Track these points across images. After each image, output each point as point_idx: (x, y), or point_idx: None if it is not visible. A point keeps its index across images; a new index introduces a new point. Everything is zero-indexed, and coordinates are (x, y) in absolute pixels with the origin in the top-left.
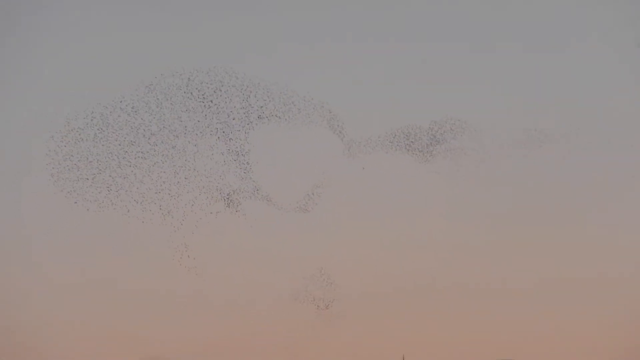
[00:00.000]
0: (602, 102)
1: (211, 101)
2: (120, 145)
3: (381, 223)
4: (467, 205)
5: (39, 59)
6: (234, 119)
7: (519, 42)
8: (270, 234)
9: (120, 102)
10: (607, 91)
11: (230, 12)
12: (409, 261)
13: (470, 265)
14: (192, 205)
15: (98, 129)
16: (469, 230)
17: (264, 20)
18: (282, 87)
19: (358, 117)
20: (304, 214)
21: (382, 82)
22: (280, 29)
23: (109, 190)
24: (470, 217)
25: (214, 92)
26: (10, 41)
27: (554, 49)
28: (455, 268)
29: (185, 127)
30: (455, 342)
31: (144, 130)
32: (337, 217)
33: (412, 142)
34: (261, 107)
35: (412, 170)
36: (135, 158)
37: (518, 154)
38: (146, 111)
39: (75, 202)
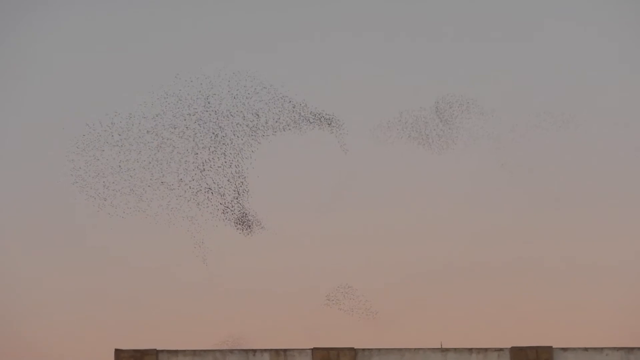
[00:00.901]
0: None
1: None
2: (146, 152)
3: (402, 216)
4: (488, 191)
5: (42, 61)
6: (241, 129)
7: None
8: (289, 242)
9: (140, 110)
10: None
11: (231, 11)
12: (435, 251)
13: (495, 250)
14: (213, 215)
15: (120, 136)
16: (491, 215)
17: (264, 19)
18: (276, 91)
19: (361, 109)
20: (325, 217)
21: (381, 71)
22: (279, 29)
23: (140, 199)
24: (491, 202)
25: (229, 117)
26: (10, 41)
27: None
28: (479, 254)
29: (203, 139)
30: (489, 326)
31: (167, 139)
32: (359, 215)
33: (423, 128)
34: (266, 120)
35: (429, 160)
36: (161, 166)
37: (530, 137)
38: (165, 121)
39: (99, 211)
